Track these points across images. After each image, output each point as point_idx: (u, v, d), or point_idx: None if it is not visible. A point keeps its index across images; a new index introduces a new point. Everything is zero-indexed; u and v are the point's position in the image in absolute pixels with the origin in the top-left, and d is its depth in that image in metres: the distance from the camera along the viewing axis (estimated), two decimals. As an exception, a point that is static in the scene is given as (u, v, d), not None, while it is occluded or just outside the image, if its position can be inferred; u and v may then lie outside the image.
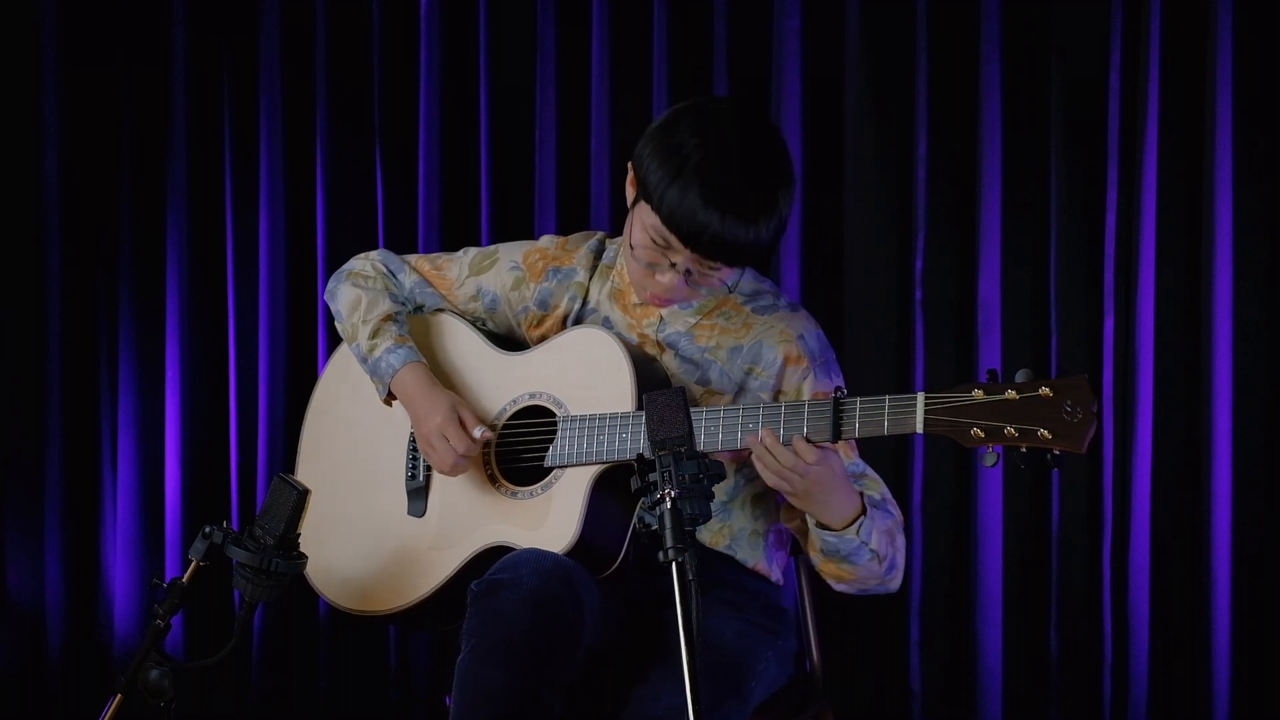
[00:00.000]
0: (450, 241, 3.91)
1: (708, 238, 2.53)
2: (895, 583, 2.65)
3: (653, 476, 2.21)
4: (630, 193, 2.66)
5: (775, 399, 2.69)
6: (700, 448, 2.37)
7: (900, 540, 2.64)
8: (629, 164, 2.65)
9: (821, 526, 2.56)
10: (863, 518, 2.56)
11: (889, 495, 2.68)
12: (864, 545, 2.57)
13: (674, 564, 2.15)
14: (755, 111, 2.65)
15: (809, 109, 3.74)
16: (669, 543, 2.16)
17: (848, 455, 2.65)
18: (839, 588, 2.65)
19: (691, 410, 2.32)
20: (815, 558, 2.63)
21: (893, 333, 3.73)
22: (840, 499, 2.54)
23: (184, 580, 2.61)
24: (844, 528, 2.55)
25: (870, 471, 2.68)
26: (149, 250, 4.11)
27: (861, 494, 2.59)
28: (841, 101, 3.73)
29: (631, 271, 2.66)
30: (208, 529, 2.59)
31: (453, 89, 3.94)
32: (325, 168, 4.00)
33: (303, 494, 2.56)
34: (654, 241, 2.58)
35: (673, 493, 2.18)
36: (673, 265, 2.59)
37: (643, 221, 2.59)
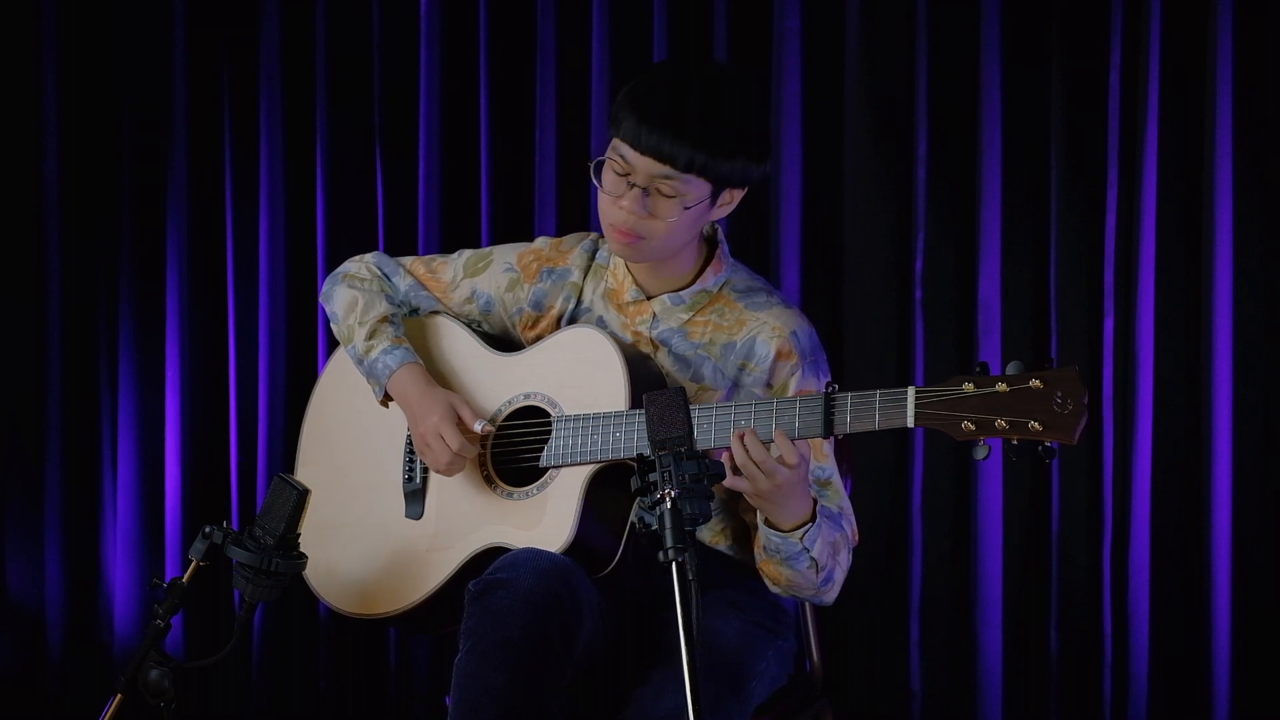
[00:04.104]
0: (450, 242, 3.92)
1: (652, 134, 2.56)
2: (830, 595, 2.65)
3: (653, 476, 2.21)
4: None
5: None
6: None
7: (844, 557, 2.64)
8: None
9: (769, 526, 2.57)
10: (810, 525, 2.56)
11: (848, 509, 2.69)
12: (805, 552, 2.57)
13: (674, 564, 2.16)
14: (730, 66, 2.70)
15: (809, 109, 3.74)
16: (669, 543, 2.16)
17: (821, 459, 2.65)
18: (773, 590, 2.66)
19: None
20: (758, 554, 2.64)
21: (893, 333, 3.73)
22: (796, 503, 2.54)
23: (184, 580, 2.61)
24: (790, 530, 2.56)
25: (837, 480, 2.69)
26: (149, 249, 4.11)
27: (815, 501, 2.59)
28: (841, 101, 3.73)
29: (602, 216, 2.67)
30: (208, 529, 2.59)
31: (453, 89, 3.94)
32: (325, 168, 4.00)
33: (303, 494, 2.57)
34: (615, 167, 2.61)
35: (673, 493, 2.18)
36: (631, 186, 2.60)
37: (610, 157, 2.62)
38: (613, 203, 2.63)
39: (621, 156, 2.60)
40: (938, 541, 3.72)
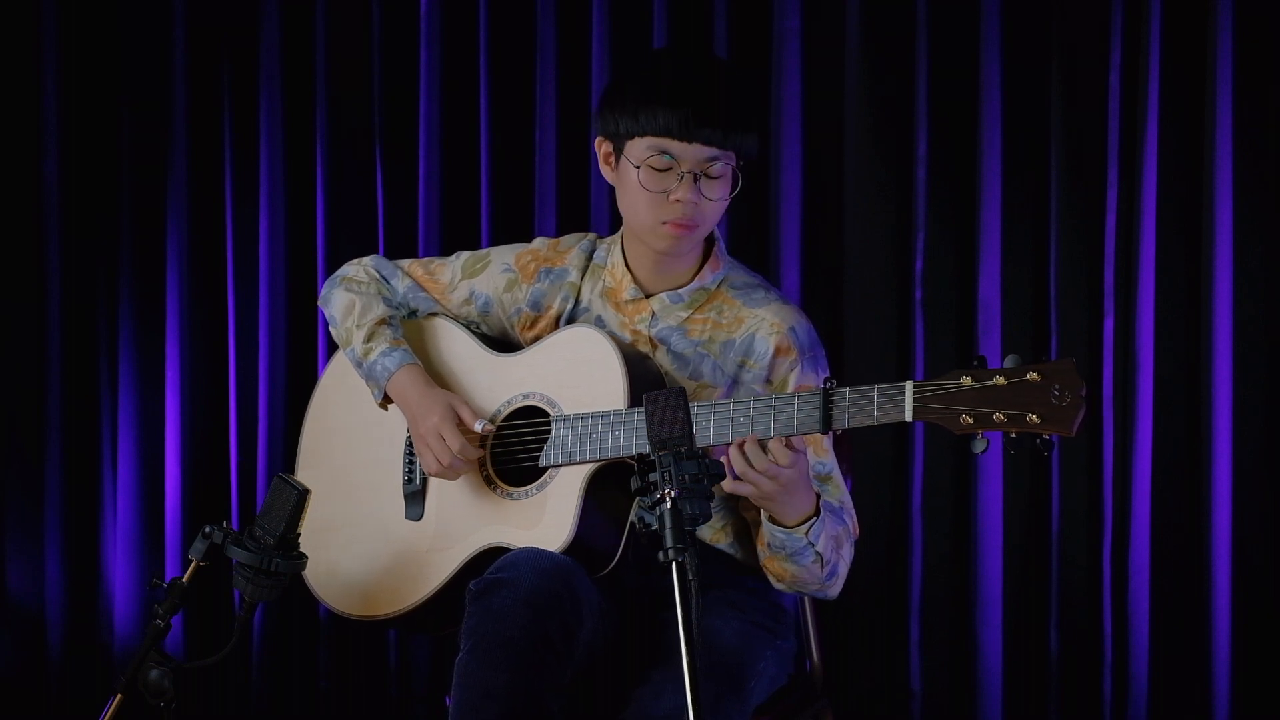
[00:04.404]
0: (450, 242, 3.92)
1: (689, 120, 2.59)
2: (834, 589, 2.66)
3: (653, 476, 2.21)
4: (607, 169, 2.71)
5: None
6: (691, 444, 2.37)
7: (847, 550, 2.66)
8: (596, 143, 2.71)
9: (773, 522, 2.57)
10: (814, 519, 2.57)
11: (849, 503, 2.70)
12: (810, 546, 2.58)
13: (674, 564, 2.16)
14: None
15: (809, 109, 3.74)
16: (669, 543, 2.16)
17: (820, 454, 2.66)
18: (777, 586, 2.67)
19: None
20: (761, 552, 2.64)
21: (893, 333, 3.73)
22: (799, 498, 2.55)
23: (184, 580, 2.61)
24: (795, 525, 2.56)
25: (838, 475, 2.69)
26: (149, 250, 4.11)
27: (818, 496, 2.60)
28: (841, 101, 3.73)
29: (643, 219, 2.67)
30: (208, 529, 2.60)
31: (453, 89, 3.94)
32: (325, 168, 4.00)
33: (303, 494, 2.57)
34: (655, 165, 2.62)
35: (673, 493, 2.18)
36: (681, 177, 2.61)
37: (638, 159, 2.63)
38: (661, 200, 2.64)
39: (663, 152, 2.61)
40: (938, 541, 3.72)
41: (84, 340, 4.14)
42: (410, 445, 2.79)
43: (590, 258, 2.82)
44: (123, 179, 4.11)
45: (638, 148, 2.63)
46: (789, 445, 2.47)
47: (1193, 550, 3.56)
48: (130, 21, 4.08)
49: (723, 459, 2.48)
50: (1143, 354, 3.56)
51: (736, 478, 2.49)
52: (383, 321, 2.82)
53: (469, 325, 2.85)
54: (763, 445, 2.48)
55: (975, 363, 2.39)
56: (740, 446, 2.48)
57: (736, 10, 3.77)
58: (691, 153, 2.60)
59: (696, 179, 2.62)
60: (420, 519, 2.77)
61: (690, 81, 2.63)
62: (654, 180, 2.63)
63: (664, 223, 2.65)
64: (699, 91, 2.61)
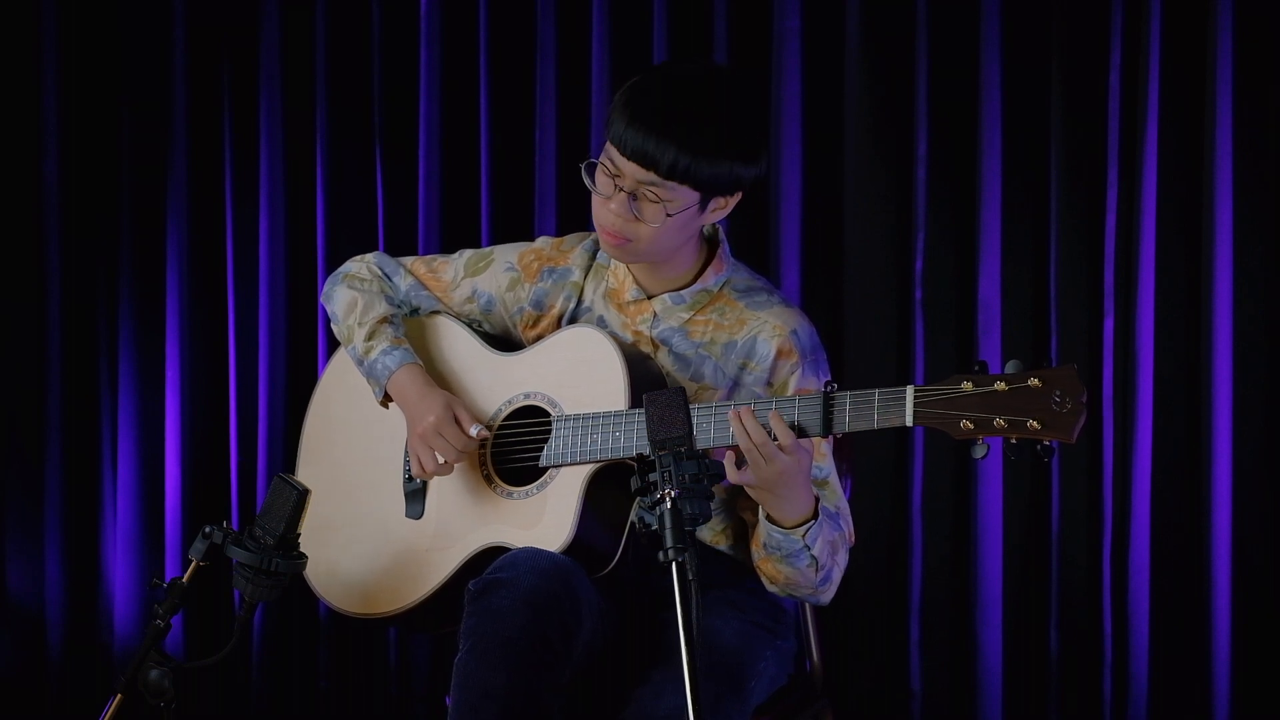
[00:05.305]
0: (450, 242, 3.92)
1: (635, 140, 2.55)
2: (827, 595, 2.66)
3: (653, 476, 2.21)
4: None
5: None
6: (693, 445, 2.37)
7: (842, 556, 2.65)
8: None
9: (771, 521, 2.57)
10: (812, 522, 2.57)
11: (846, 510, 2.69)
12: (806, 549, 2.57)
13: (674, 564, 2.16)
14: (726, 68, 2.79)
15: (809, 109, 3.75)
16: (669, 543, 2.17)
17: (818, 459, 2.65)
18: (770, 589, 2.67)
19: None
20: (756, 553, 2.64)
21: (893, 333, 3.73)
22: (798, 496, 2.54)
23: (184, 580, 2.61)
24: (793, 526, 2.56)
25: (835, 480, 2.69)
26: (149, 250, 4.11)
27: (817, 499, 2.59)
28: (841, 101, 3.73)
29: (593, 216, 2.67)
30: (208, 529, 2.60)
31: (453, 89, 3.95)
32: (325, 168, 4.00)
33: (303, 494, 2.57)
34: (605, 169, 2.61)
35: (673, 493, 2.18)
36: (619, 190, 2.60)
37: (602, 160, 2.62)
38: (602, 204, 2.64)
39: (611, 160, 2.61)
40: (938, 543, 3.72)
41: (84, 340, 4.14)
42: (413, 444, 2.79)
43: (594, 257, 2.82)
44: (123, 179, 4.11)
45: (604, 149, 2.63)
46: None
47: (1193, 550, 3.56)
48: (130, 21, 4.08)
49: (724, 456, 2.49)
50: (1143, 354, 3.57)
51: (737, 464, 2.49)
52: (384, 320, 2.82)
53: (471, 324, 2.85)
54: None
55: (976, 368, 2.38)
56: (739, 418, 2.47)
57: (736, 10, 3.77)
58: (629, 170, 2.58)
59: (634, 198, 2.60)
60: (420, 517, 2.77)
61: (650, 102, 2.58)
62: (600, 183, 2.63)
63: (600, 226, 2.65)
64: (652, 114, 2.56)
